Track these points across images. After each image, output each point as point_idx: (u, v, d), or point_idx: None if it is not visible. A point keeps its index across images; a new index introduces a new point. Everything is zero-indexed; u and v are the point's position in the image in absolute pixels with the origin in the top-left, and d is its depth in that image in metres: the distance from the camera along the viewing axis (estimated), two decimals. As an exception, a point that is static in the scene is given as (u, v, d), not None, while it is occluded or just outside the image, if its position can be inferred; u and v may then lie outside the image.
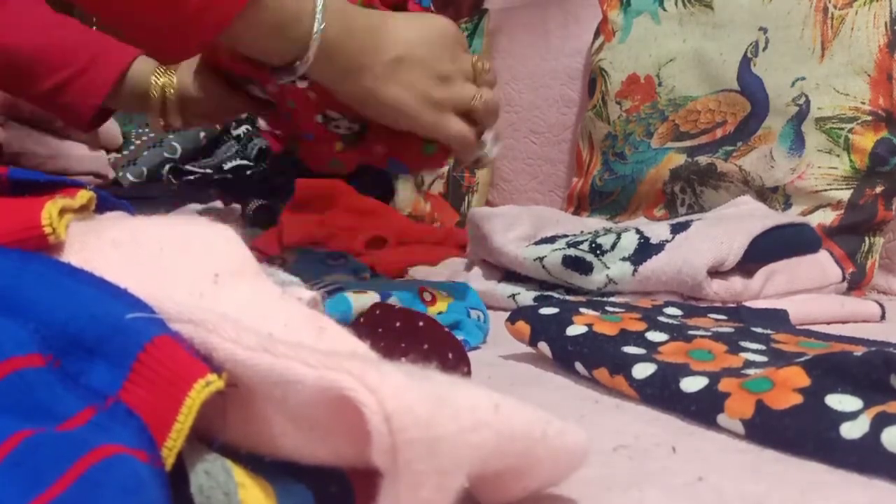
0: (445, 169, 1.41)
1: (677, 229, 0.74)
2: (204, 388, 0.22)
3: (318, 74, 0.54)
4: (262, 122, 1.50)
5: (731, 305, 0.65)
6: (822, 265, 0.77)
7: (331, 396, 0.21)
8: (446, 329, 0.48)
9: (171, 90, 0.76)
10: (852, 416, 0.34)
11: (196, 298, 0.28)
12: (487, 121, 0.60)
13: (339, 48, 0.53)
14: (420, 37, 0.57)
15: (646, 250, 0.73)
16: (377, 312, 0.47)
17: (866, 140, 0.88)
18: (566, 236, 0.83)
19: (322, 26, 0.51)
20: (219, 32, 0.49)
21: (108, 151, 1.34)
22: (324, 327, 0.28)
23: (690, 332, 0.50)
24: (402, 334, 0.43)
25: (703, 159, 0.99)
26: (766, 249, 0.72)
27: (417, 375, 0.22)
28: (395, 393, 0.20)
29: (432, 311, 0.61)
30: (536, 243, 0.83)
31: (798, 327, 0.60)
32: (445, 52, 0.57)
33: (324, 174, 0.85)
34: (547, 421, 0.25)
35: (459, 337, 0.54)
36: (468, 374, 0.45)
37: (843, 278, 0.79)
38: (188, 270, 0.29)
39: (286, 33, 0.51)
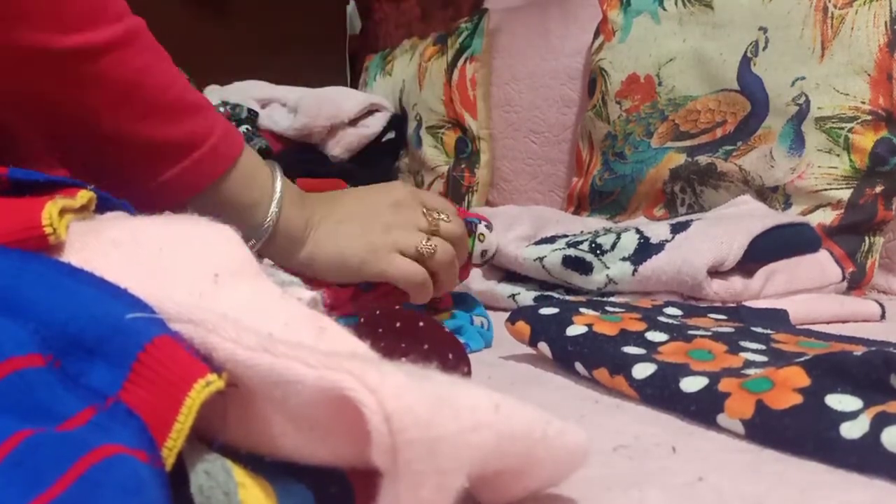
0: (445, 168, 1.41)
1: (677, 229, 0.74)
2: (204, 388, 0.22)
3: (264, 253, 0.56)
4: (262, 122, 1.50)
5: (731, 305, 0.65)
6: (822, 265, 0.77)
7: (331, 396, 0.21)
8: (447, 329, 0.48)
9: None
10: (852, 415, 0.34)
11: (196, 298, 0.28)
12: (438, 269, 0.59)
13: (284, 231, 0.55)
14: (360, 201, 0.59)
15: (646, 250, 0.73)
16: (377, 312, 0.46)
17: (866, 140, 0.88)
18: (566, 236, 0.84)
19: (273, 217, 0.54)
20: (171, 206, 0.53)
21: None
22: (324, 327, 0.28)
23: (690, 332, 0.50)
24: (403, 334, 0.43)
25: (702, 159, 0.99)
26: (766, 249, 0.72)
27: (418, 375, 0.22)
28: (396, 393, 0.20)
29: (435, 317, 0.61)
30: (536, 243, 0.83)
31: (798, 327, 0.60)
32: (386, 208, 0.58)
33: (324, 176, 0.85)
34: (547, 421, 0.25)
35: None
36: (468, 374, 0.45)
37: (843, 278, 0.79)
38: (188, 270, 0.29)
39: (241, 218, 0.53)
